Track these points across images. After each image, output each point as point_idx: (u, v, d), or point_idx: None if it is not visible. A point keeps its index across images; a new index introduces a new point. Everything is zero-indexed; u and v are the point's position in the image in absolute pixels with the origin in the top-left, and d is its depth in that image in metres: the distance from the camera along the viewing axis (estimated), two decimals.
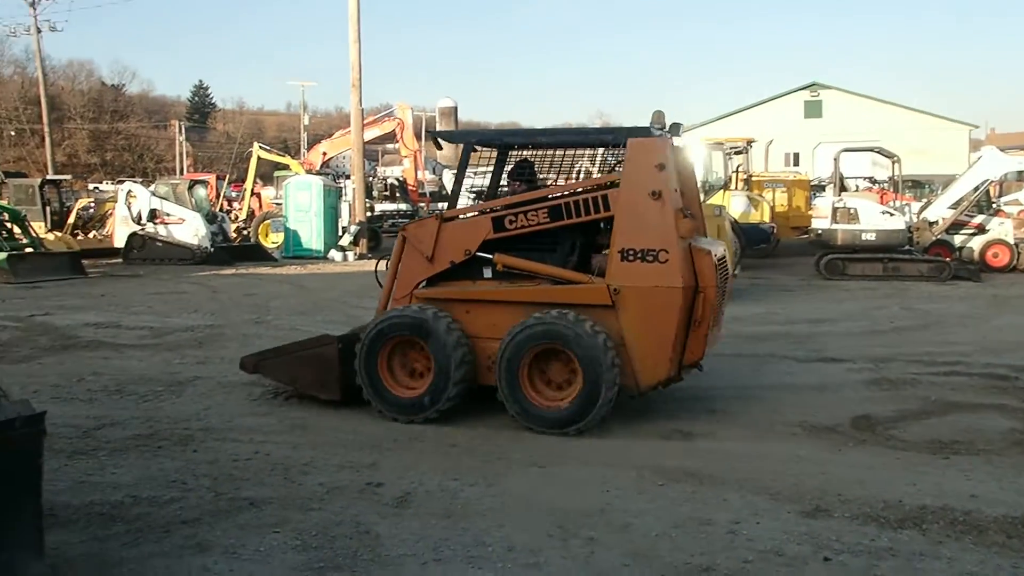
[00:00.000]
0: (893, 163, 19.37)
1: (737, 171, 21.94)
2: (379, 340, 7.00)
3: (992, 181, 19.75)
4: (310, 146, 44.76)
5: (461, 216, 7.29)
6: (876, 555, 4.44)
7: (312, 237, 24.33)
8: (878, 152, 20.35)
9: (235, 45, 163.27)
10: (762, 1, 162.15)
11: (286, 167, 31.45)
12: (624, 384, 6.56)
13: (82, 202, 26.81)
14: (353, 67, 25.02)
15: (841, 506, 5.09)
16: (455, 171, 8.17)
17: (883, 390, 8.03)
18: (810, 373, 8.75)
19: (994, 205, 20.34)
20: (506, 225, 6.91)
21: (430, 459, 6.01)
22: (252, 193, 30.22)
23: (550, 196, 6.91)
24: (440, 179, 32.19)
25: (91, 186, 32.86)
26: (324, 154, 31.71)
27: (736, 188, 21.33)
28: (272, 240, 26.63)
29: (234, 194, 35.63)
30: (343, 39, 24.93)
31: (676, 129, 7.41)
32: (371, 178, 32.82)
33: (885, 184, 21.79)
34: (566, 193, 6.88)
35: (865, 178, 29.85)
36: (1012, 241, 19.00)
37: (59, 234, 23.74)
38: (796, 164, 46.82)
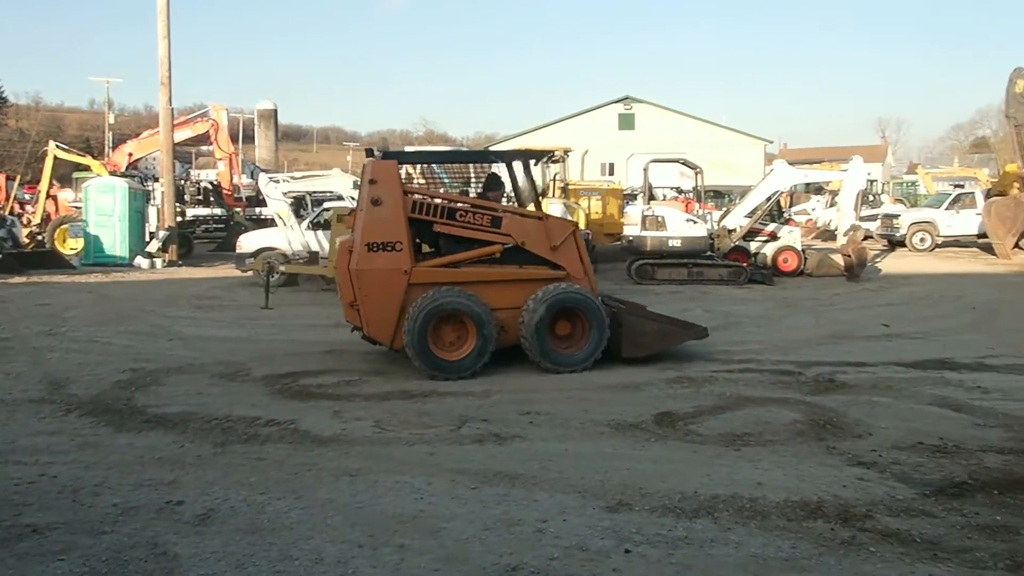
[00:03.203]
0: (696, 174, 20.53)
1: (555, 179, 22.56)
2: None
3: (782, 192, 21.32)
4: (115, 146, 42.16)
5: None
6: (672, 544, 4.67)
7: (116, 243, 22.87)
8: (683, 163, 21.50)
9: (31, 35, 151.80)
10: (580, 19, 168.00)
11: (87, 168, 29.49)
12: None
13: None
14: (162, 64, 23.75)
15: (642, 500, 5.33)
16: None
17: (684, 387, 8.47)
18: (619, 373, 9.07)
19: (785, 214, 21.95)
20: None
21: (236, 473, 5.80)
22: (47, 196, 28.12)
23: None
24: (257, 183, 31.16)
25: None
26: (130, 155, 29.86)
27: (554, 196, 21.93)
28: (70, 246, 24.85)
29: (27, 196, 33.05)
30: (154, 33, 23.61)
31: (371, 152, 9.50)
32: (183, 181, 31.28)
33: (690, 194, 23.06)
34: None
35: (672, 188, 31.43)
36: (800, 247, 20.56)
37: None
38: (611, 173, 48.61)
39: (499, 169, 10.34)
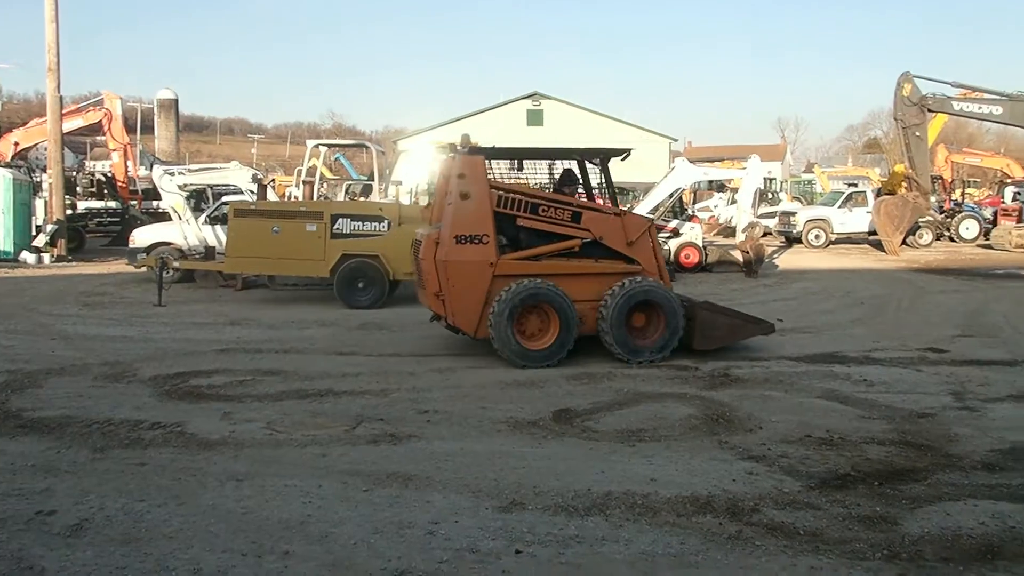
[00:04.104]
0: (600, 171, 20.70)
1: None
2: None
3: (684, 189, 21.73)
4: (1, 135, 40.12)
5: None
6: (564, 543, 4.66)
7: None
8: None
9: None
10: (488, 14, 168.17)
11: None
12: None
13: None
14: (49, 49, 22.72)
15: (536, 498, 5.30)
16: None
17: (583, 384, 8.51)
18: (520, 371, 9.05)
19: (688, 211, 22.36)
20: None
21: (115, 480, 5.53)
22: None
23: None
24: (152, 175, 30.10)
25: None
26: (16, 144, 28.53)
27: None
28: None
29: None
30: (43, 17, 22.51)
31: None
32: (75, 173, 30.01)
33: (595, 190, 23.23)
34: None
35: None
36: (701, 244, 20.98)
37: None
38: (520, 169, 48.55)
39: (573, 165, 10.54)
